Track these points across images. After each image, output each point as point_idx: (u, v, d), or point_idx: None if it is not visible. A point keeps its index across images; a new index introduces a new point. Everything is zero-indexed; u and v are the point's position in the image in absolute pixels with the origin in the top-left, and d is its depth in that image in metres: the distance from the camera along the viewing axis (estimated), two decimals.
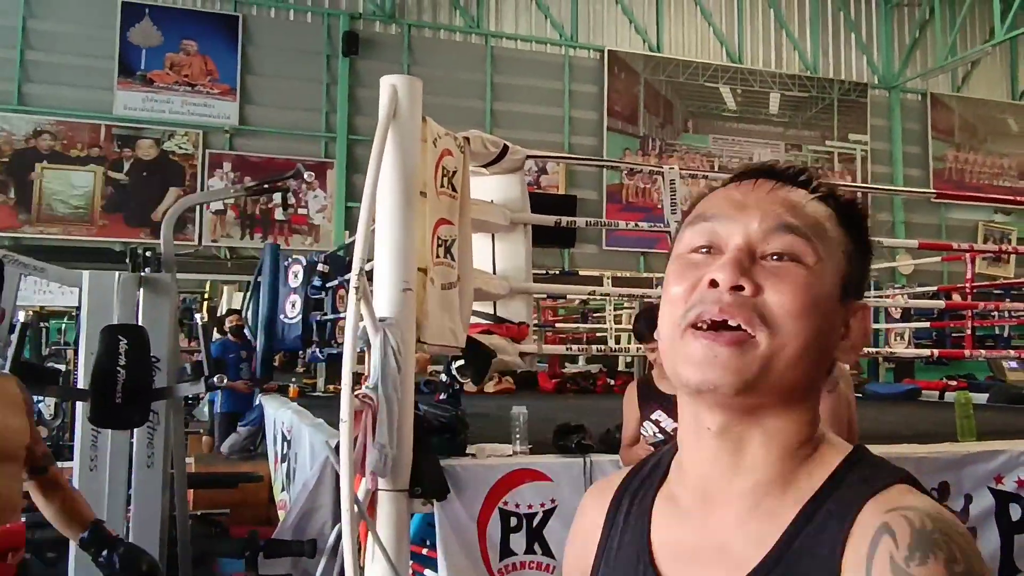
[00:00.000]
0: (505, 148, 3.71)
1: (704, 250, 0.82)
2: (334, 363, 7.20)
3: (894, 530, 0.71)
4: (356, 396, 2.67)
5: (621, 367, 10.74)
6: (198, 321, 3.25)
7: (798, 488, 0.79)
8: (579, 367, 10.79)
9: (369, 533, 2.74)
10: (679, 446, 0.88)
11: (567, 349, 6.21)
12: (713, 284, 0.78)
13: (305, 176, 3.16)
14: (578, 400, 7.81)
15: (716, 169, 15.21)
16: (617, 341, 9.60)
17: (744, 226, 0.80)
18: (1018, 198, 7.69)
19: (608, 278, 10.34)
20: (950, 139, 17.45)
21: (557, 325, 12.00)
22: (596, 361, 10.77)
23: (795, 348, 0.76)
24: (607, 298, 9.64)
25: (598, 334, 10.56)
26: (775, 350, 0.76)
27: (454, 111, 11.63)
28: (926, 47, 17.12)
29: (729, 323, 0.76)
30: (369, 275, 2.80)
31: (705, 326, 0.77)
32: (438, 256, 3.18)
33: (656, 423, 3.24)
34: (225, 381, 3.06)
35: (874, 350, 8.65)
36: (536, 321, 11.68)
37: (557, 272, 12.64)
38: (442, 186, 3.24)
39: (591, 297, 10.83)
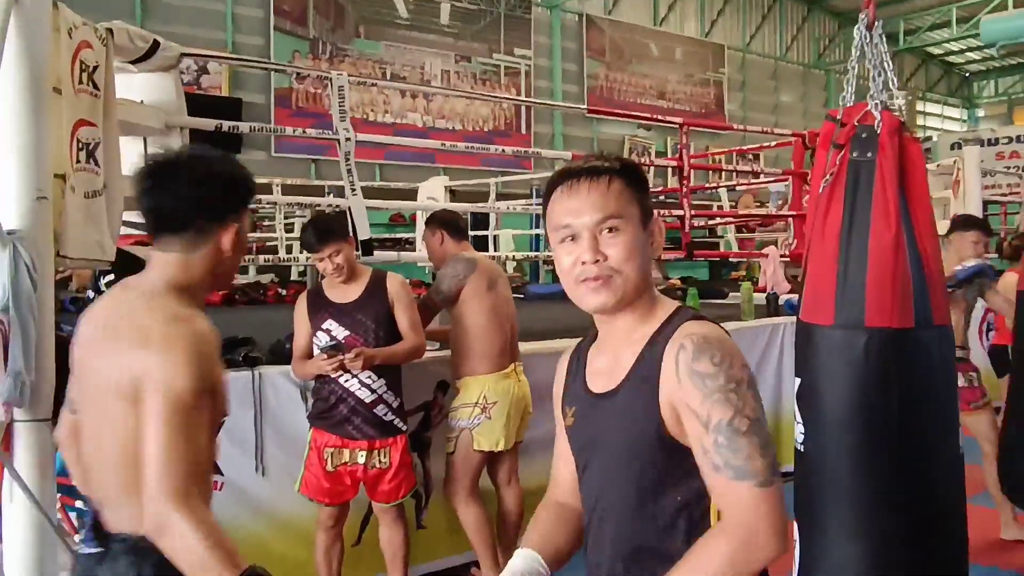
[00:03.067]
0: (156, 44, 3.40)
1: (570, 239, 1.44)
2: None
3: (684, 345, 1.37)
4: None
5: (294, 276, 10.53)
6: None
7: (649, 327, 1.45)
8: (250, 278, 10.43)
9: (5, 469, 2.49)
10: (596, 326, 1.55)
11: None
12: (583, 261, 1.41)
13: None
14: (249, 312, 7.56)
15: (388, 77, 15.15)
16: (288, 251, 9.38)
17: (585, 224, 1.42)
18: (655, 116, 8.59)
19: (278, 186, 10.01)
20: (602, 59, 18.82)
21: None
22: (268, 271, 10.45)
23: (634, 277, 1.43)
24: (276, 206, 9.36)
25: (268, 243, 10.25)
26: (624, 281, 1.42)
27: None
28: None
29: (598, 277, 1.42)
30: None
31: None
32: (79, 161, 2.87)
33: (327, 331, 3.23)
34: None
35: (533, 254, 9.28)
36: None
37: None
38: (81, 83, 2.90)
39: (259, 205, 10.44)
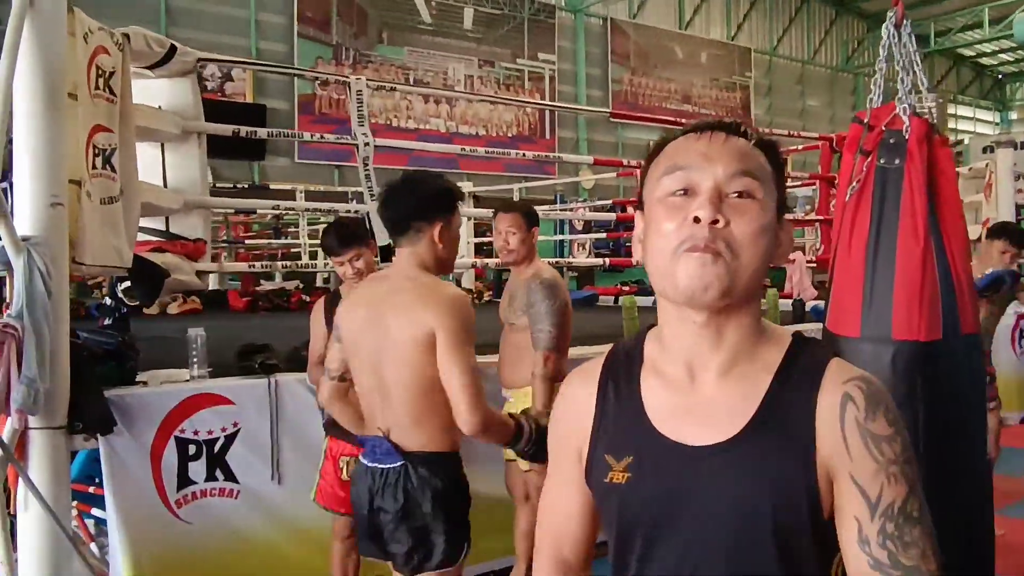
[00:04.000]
0: (173, 48, 3.39)
1: (681, 192, 1.04)
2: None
3: (852, 396, 1.02)
4: None
5: (319, 283, 10.54)
6: None
7: (764, 359, 1.07)
8: (275, 284, 10.46)
9: (20, 478, 2.47)
10: (662, 335, 1.12)
11: (250, 267, 5.91)
12: (697, 219, 1.01)
13: None
14: (271, 319, 7.57)
15: (411, 83, 15.16)
16: (313, 257, 9.39)
17: (712, 173, 1.03)
18: (679, 121, 8.51)
19: (301, 192, 10.04)
20: (627, 63, 18.75)
21: (248, 241, 11.51)
22: (294, 277, 10.47)
23: (754, 265, 1.03)
24: (300, 212, 9.37)
25: (293, 250, 10.26)
26: (739, 266, 1.01)
27: (121, 6, 10.51)
28: None
29: (711, 247, 1.00)
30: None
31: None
32: (95, 167, 2.86)
33: None
34: None
35: (556, 260, 9.23)
36: (225, 237, 11.19)
37: (247, 186, 12.09)
38: (97, 88, 2.90)
39: (282, 211, 10.48)
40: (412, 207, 2.31)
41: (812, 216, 8.09)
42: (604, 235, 11.81)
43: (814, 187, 8.10)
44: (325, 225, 4.10)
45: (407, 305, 2.23)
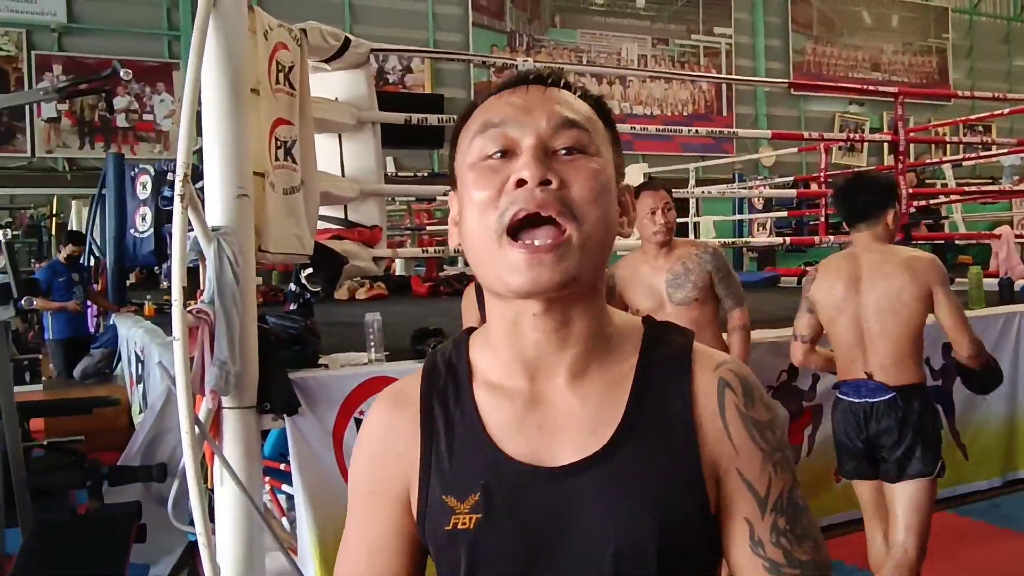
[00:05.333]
0: (347, 41, 3.48)
1: (498, 155, 0.85)
2: (194, 277, 6.85)
3: (728, 382, 0.88)
4: (189, 312, 2.50)
5: None
6: (1, 238, 2.95)
7: (620, 350, 0.90)
8: (457, 269, 10.71)
9: (215, 454, 2.62)
10: (489, 337, 0.92)
11: (423, 251, 6.03)
12: (520, 183, 0.82)
13: (122, 74, 2.85)
14: (450, 303, 7.74)
15: (584, 64, 15.09)
16: None
17: (534, 126, 0.84)
18: (865, 87, 7.94)
19: None
20: (809, 32, 17.82)
21: (430, 228, 11.84)
22: None
23: (599, 233, 0.84)
24: None
25: None
26: (584, 239, 0.82)
27: (309, 6, 11.02)
28: None
29: (542, 215, 0.81)
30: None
31: (520, 228, 0.82)
32: (277, 159, 2.98)
33: None
34: (35, 303, 2.80)
35: (734, 240, 8.92)
36: (409, 225, 11.57)
37: (426, 174, 12.43)
38: (278, 83, 3.02)
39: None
40: (872, 198, 2.89)
41: (1022, 187, 7.38)
42: (785, 213, 11.32)
43: (1023, 155, 7.38)
44: None
45: (898, 269, 2.80)
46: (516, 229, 0.82)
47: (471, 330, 0.98)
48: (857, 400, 2.83)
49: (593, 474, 0.84)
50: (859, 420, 2.83)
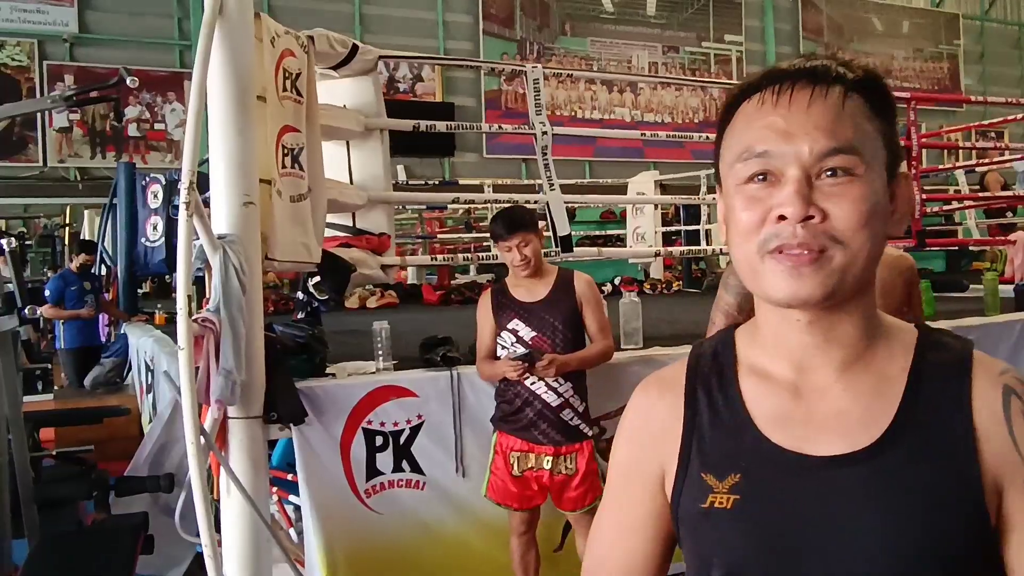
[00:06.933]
0: (355, 48, 3.46)
1: (760, 177, 0.85)
2: (201, 286, 6.85)
3: (1015, 389, 0.85)
4: (195, 320, 2.47)
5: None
6: (5, 247, 2.95)
7: (890, 352, 0.89)
8: (469, 277, 10.68)
9: (221, 465, 2.59)
10: (758, 331, 0.93)
11: (433, 259, 6.01)
12: (782, 217, 0.82)
13: (128, 82, 2.84)
14: (461, 311, 7.71)
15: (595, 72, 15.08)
16: None
17: (796, 157, 0.83)
18: None
19: (489, 186, 10.17)
20: (819, 39, 17.79)
21: (441, 236, 11.83)
22: (488, 270, 10.65)
23: (865, 254, 0.84)
24: (488, 206, 9.51)
25: (484, 243, 10.44)
26: (849, 262, 0.83)
27: (320, 15, 11.06)
28: None
29: (805, 253, 0.82)
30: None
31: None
32: (284, 166, 2.96)
33: (514, 332, 3.12)
34: (40, 311, 2.78)
35: None
36: (420, 233, 11.56)
37: (437, 182, 12.43)
38: (285, 90, 3.00)
39: (472, 206, 10.66)
40: None
41: None
42: None
43: None
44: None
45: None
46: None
47: (736, 325, 0.99)
48: None
49: (860, 469, 0.83)
50: None
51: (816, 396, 0.88)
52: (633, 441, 0.98)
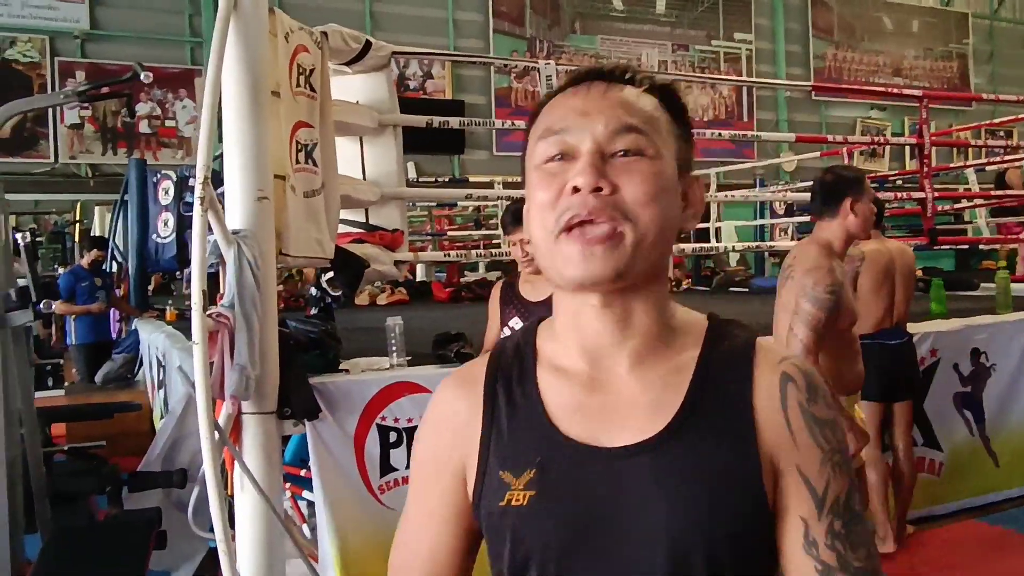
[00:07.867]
0: (368, 44, 3.46)
1: (558, 158, 0.89)
2: (215, 281, 6.86)
3: (792, 376, 0.89)
4: (209, 316, 2.47)
5: None
6: (20, 241, 2.95)
7: (682, 340, 0.92)
8: (479, 274, 10.68)
9: (235, 460, 2.59)
10: (558, 323, 0.95)
11: (445, 255, 6.00)
12: (575, 189, 0.86)
13: (143, 77, 2.84)
14: (471, 308, 7.72)
15: None
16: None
17: (591, 132, 0.88)
18: (890, 90, 7.86)
19: (499, 183, 10.17)
20: (830, 37, 17.72)
21: (451, 233, 11.84)
22: (497, 268, 10.65)
23: (654, 232, 0.86)
24: (499, 203, 9.51)
25: (494, 240, 10.44)
26: (639, 238, 0.85)
27: (331, 12, 11.04)
28: None
29: (596, 222, 0.85)
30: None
31: (575, 226, 0.86)
32: (298, 162, 2.96)
33: (512, 329, 3.12)
34: (54, 306, 2.78)
35: (757, 245, 8.83)
36: (430, 230, 11.56)
37: (447, 180, 12.44)
38: (298, 85, 2.99)
39: (482, 203, 10.66)
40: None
41: None
42: (807, 218, 11.19)
43: None
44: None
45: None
46: (571, 228, 0.86)
47: (541, 319, 1.01)
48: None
49: (649, 457, 0.86)
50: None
51: (610, 387, 0.90)
52: (437, 433, 0.99)
